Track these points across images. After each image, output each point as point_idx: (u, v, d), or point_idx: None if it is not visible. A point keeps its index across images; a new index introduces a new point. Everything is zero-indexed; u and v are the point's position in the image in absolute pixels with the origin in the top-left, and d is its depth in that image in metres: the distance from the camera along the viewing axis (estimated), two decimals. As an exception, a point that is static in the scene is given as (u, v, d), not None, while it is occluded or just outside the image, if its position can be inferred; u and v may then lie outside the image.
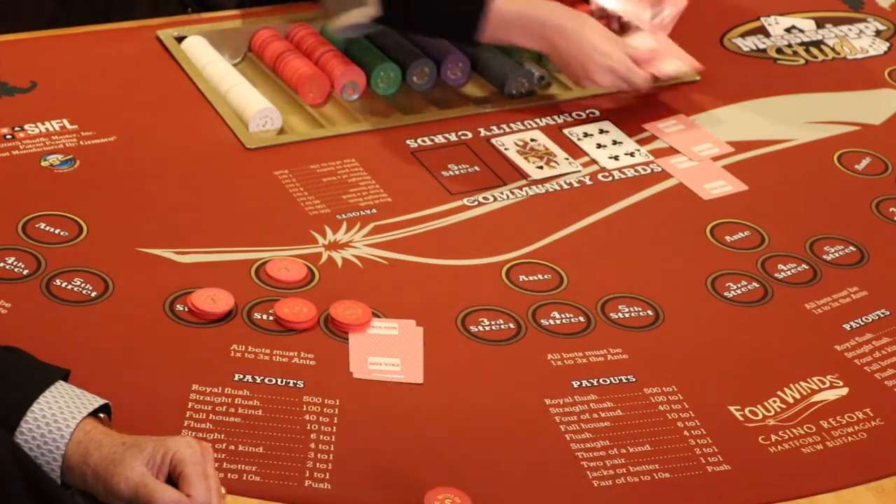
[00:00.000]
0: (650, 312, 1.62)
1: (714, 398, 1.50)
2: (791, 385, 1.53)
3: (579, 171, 1.87)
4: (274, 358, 1.50)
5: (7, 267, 1.57)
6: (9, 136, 1.80)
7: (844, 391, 1.53)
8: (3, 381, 1.29)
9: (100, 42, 2.03)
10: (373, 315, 1.56)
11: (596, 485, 1.39)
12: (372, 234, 1.71)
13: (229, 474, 1.35)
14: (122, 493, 1.24)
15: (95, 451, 1.26)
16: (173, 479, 1.25)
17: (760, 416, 1.48)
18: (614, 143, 1.93)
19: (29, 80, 1.89)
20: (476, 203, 1.79)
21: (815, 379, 1.54)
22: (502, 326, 1.58)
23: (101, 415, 1.31)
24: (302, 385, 1.46)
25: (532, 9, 1.92)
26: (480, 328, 1.57)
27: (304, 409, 1.43)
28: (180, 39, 2.03)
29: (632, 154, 1.91)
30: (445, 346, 1.54)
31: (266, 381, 1.46)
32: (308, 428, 1.41)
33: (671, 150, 1.92)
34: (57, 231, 1.64)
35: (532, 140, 1.92)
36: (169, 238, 1.65)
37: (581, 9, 2.04)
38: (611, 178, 1.86)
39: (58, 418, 1.27)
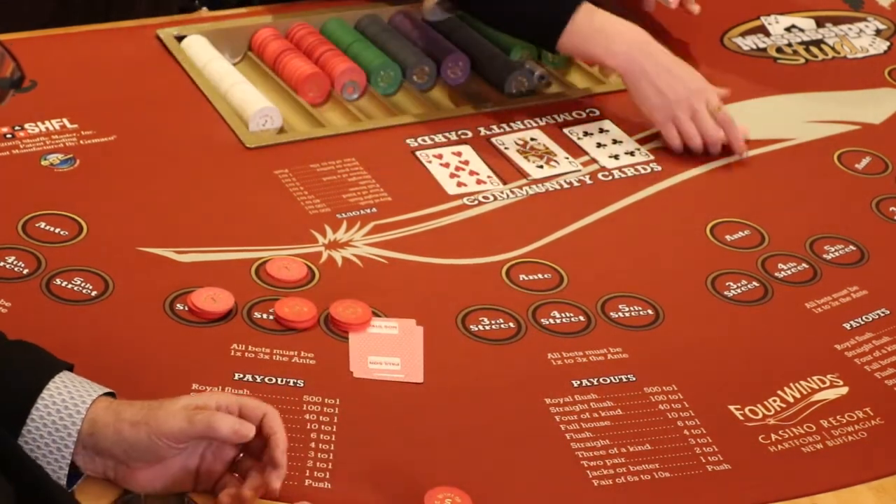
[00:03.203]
0: (650, 312, 1.62)
1: (714, 398, 1.50)
2: (791, 384, 1.53)
3: (579, 171, 1.87)
4: (274, 357, 1.50)
5: (7, 266, 1.57)
6: (9, 136, 1.80)
7: (844, 390, 1.53)
8: (9, 373, 1.29)
9: (100, 42, 2.03)
10: (373, 314, 1.56)
11: (596, 484, 1.39)
12: (372, 233, 1.71)
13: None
14: (172, 427, 1.24)
15: (128, 408, 1.26)
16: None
17: (760, 416, 1.48)
18: (614, 142, 1.93)
19: (29, 79, 1.89)
20: (476, 203, 1.79)
21: (815, 378, 1.54)
22: (502, 326, 1.58)
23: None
24: (302, 384, 1.46)
25: (616, 24, 1.87)
26: (480, 328, 1.57)
27: (304, 408, 1.43)
28: (180, 39, 2.03)
29: (632, 153, 1.91)
30: (445, 345, 1.55)
31: (266, 380, 1.46)
32: (308, 427, 1.41)
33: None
34: (57, 230, 1.64)
35: (532, 139, 1.92)
36: (169, 238, 1.65)
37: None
38: (611, 178, 1.86)
39: (66, 403, 1.26)
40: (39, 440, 1.25)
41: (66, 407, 1.26)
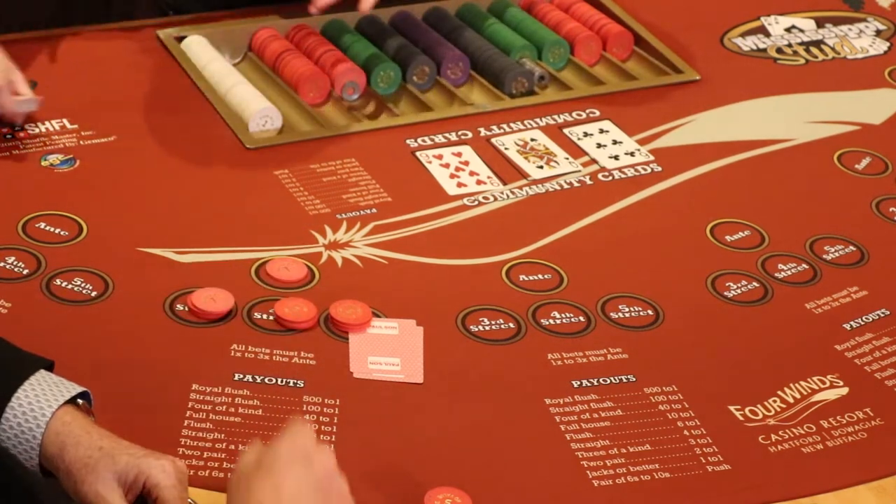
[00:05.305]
0: (650, 312, 1.62)
1: (714, 398, 1.50)
2: (791, 385, 1.53)
3: (579, 171, 1.87)
4: (274, 358, 1.50)
5: (7, 267, 1.57)
6: (9, 136, 1.80)
7: (844, 391, 1.53)
8: None
9: (100, 42, 2.03)
10: (373, 315, 1.56)
11: (596, 485, 1.39)
12: (372, 233, 1.71)
13: (229, 474, 1.34)
14: (89, 503, 1.24)
15: (72, 449, 1.25)
16: (145, 499, 1.24)
17: (760, 416, 1.48)
18: (614, 142, 1.93)
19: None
20: (476, 203, 1.79)
21: (815, 378, 1.54)
22: (502, 326, 1.58)
23: (80, 401, 1.30)
24: (302, 385, 1.46)
25: None
26: (480, 328, 1.57)
27: (304, 408, 1.43)
28: (180, 39, 2.03)
29: (632, 154, 1.91)
30: (445, 345, 1.54)
31: (266, 380, 1.46)
32: (308, 428, 1.41)
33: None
34: (57, 231, 1.64)
35: (532, 140, 1.92)
36: (169, 238, 1.65)
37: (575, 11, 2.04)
38: (611, 178, 1.86)
39: (34, 408, 1.26)
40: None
41: (21, 433, 1.26)
